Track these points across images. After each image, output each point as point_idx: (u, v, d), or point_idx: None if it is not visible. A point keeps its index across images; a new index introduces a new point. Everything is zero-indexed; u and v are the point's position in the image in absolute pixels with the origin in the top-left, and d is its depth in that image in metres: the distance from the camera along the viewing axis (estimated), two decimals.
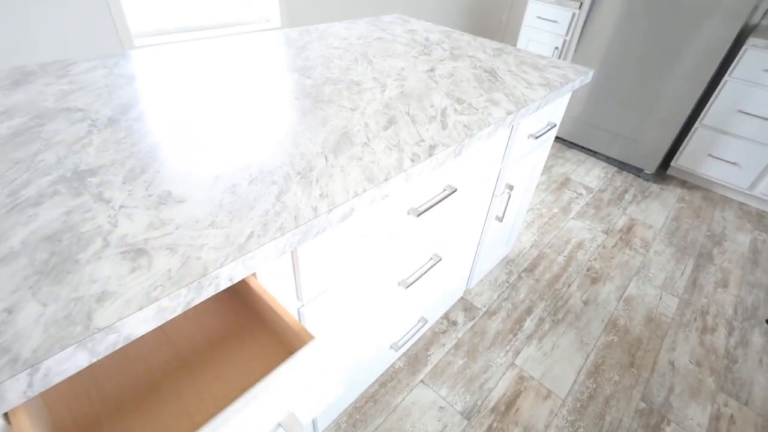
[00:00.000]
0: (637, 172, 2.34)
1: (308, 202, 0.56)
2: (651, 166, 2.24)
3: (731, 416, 1.23)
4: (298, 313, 0.69)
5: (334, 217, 0.57)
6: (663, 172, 2.42)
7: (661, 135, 2.14)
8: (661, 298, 1.60)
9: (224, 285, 0.47)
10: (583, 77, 1.10)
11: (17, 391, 0.35)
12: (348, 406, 1.18)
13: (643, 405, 1.24)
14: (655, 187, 2.26)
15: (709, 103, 2.04)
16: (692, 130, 2.14)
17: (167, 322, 0.57)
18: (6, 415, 0.39)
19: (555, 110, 1.16)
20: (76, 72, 0.86)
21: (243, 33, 2.19)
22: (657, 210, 2.09)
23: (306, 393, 0.51)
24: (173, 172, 0.59)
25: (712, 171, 2.17)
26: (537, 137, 1.08)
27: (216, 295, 0.61)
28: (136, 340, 0.55)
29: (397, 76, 0.98)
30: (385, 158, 0.67)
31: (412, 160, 0.67)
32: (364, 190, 0.59)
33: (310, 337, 0.50)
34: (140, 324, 0.41)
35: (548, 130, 1.11)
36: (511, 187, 1.13)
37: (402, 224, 0.79)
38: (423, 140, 0.73)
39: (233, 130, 0.71)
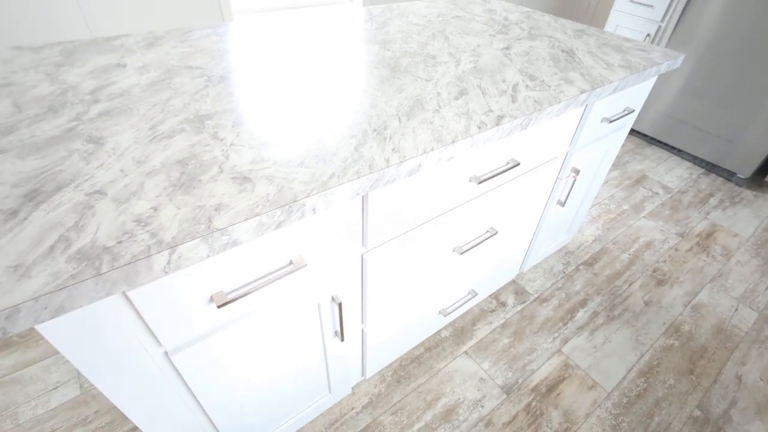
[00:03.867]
0: (729, 176, 2.13)
1: (382, 155, 0.63)
2: (746, 170, 2.03)
3: None
4: (362, 258, 0.77)
5: (403, 170, 0.64)
6: (760, 178, 2.18)
7: (763, 137, 1.93)
8: (737, 309, 1.49)
9: (309, 214, 0.56)
10: (671, 62, 1.05)
11: (160, 264, 0.46)
12: (393, 362, 1.27)
13: (698, 413, 1.19)
14: (748, 194, 2.05)
15: None
16: None
17: None
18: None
19: (636, 96, 1.12)
20: (194, 38, 1.01)
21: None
22: (747, 218, 1.90)
23: None
24: (271, 122, 0.69)
25: None
26: (611, 121, 1.06)
27: None
28: None
29: (472, 53, 1.02)
30: (453, 123, 0.72)
31: (479, 127, 0.72)
32: (432, 149, 0.65)
33: None
34: (244, 233, 0.51)
35: (625, 115, 1.08)
36: (577, 171, 1.12)
37: (463, 190, 0.84)
38: (491, 111, 0.77)
39: (320, 91, 0.80)
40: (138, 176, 0.55)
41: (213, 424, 0.77)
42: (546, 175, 1.06)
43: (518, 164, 0.87)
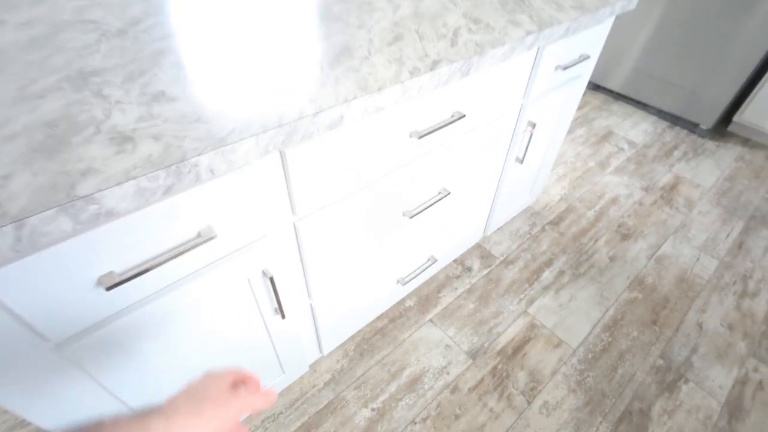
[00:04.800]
0: (692, 127, 2.12)
1: (294, 105, 0.55)
2: (709, 120, 2.02)
3: (760, 382, 1.16)
4: (294, 227, 0.70)
5: (322, 123, 0.56)
6: (723, 128, 2.18)
7: (724, 86, 1.91)
8: (698, 259, 1.49)
9: (206, 176, 0.49)
10: (625, 2, 0.99)
11: (6, 242, 0.38)
12: (356, 335, 1.23)
13: (660, 362, 1.20)
14: (710, 144, 2.06)
15: None
16: (762, 80, 1.89)
17: None
18: None
19: (591, 41, 1.06)
20: None
21: None
22: (709, 169, 1.91)
23: None
24: (169, 76, 0.60)
25: None
26: (566, 68, 0.99)
27: None
28: None
29: None
30: (383, 71, 0.64)
31: (411, 73, 0.64)
32: (354, 98, 0.58)
33: None
34: (121, 200, 0.43)
35: (581, 61, 1.02)
36: (533, 125, 1.07)
37: (405, 147, 0.77)
38: (427, 55, 0.69)
39: (231, 40, 0.70)
40: None
41: None
42: (500, 130, 1.00)
43: (463, 116, 0.80)
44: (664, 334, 1.27)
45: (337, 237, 0.79)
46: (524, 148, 1.14)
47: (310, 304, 0.90)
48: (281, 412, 1.06)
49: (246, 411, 0.38)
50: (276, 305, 0.77)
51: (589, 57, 1.06)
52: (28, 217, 0.38)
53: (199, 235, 0.55)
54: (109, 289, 0.47)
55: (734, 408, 1.10)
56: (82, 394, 0.58)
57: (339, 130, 0.63)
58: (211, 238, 0.54)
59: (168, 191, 0.46)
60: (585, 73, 1.16)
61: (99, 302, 0.51)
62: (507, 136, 1.05)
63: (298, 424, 1.05)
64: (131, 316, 0.56)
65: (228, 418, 0.36)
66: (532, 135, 1.08)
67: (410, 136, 0.76)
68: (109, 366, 0.58)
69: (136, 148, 0.47)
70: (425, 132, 0.74)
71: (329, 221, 0.74)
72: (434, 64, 0.67)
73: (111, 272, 0.49)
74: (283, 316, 0.75)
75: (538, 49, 0.91)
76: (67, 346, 0.51)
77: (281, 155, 0.59)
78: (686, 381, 1.16)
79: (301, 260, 0.78)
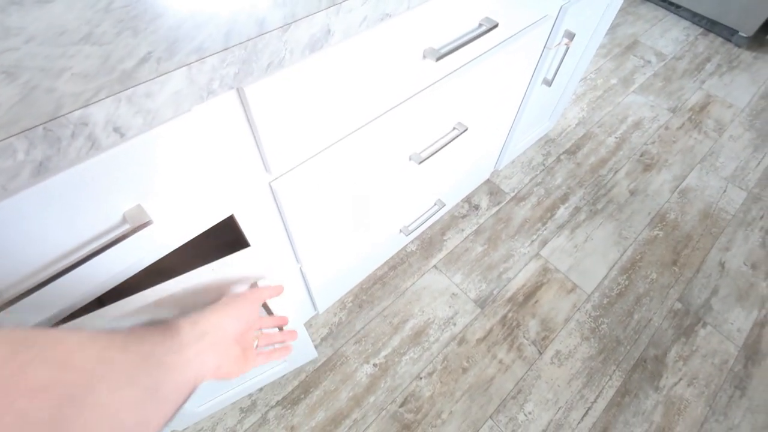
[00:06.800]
0: (729, 35, 1.85)
1: (252, 12, 0.34)
2: (749, 27, 1.75)
3: None
4: (271, 188, 0.52)
5: (297, 40, 0.35)
6: (762, 36, 1.91)
7: None
8: (725, 191, 1.36)
9: (106, 141, 0.29)
10: None
11: None
12: (354, 287, 1.12)
13: (678, 306, 1.12)
14: (747, 56, 1.81)
15: None
16: None
17: None
18: None
19: None
20: None
21: None
22: (744, 85, 1.69)
23: None
24: None
25: None
26: None
27: None
28: None
29: None
30: None
31: None
32: None
33: None
34: None
35: None
36: (571, 36, 0.83)
37: (415, 72, 0.56)
38: None
39: None
40: None
41: None
42: (531, 43, 0.77)
43: (496, 25, 0.58)
44: (684, 275, 1.18)
45: (328, 193, 0.62)
46: (556, 67, 0.92)
47: (300, 269, 0.76)
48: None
49: (263, 298, 0.43)
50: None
51: None
52: None
53: (125, 220, 0.37)
54: None
55: (751, 351, 1.06)
56: None
57: (324, 52, 0.42)
58: (142, 226, 0.36)
59: (37, 171, 0.28)
60: None
61: None
62: (538, 51, 0.83)
63: (296, 383, 0.98)
64: None
65: (252, 308, 0.41)
66: (567, 50, 0.86)
67: (424, 57, 0.55)
68: None
69: None
70: (445, 50, 0.53)
71: (316, 176, 0.56)
72: None
73: None
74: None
75: None
76: None
77: (239, 95, 0.39)
78: (704, 325, 1.10)
79: (285, 226, 0.61)
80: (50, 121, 0.26)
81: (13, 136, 0.25)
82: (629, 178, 1.38)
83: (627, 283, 1.16)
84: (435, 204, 1.01)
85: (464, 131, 0.76)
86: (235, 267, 0.44)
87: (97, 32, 0.31)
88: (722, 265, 1.20)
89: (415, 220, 0.98)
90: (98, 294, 0.42)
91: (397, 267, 1.17)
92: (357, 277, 1.02)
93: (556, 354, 1.04)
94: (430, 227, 1.24)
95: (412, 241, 1.21)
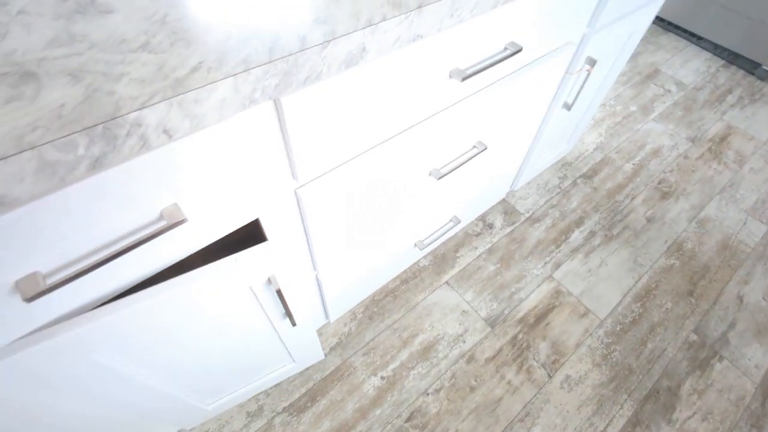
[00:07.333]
0: (752, 67, 1.84)
1: (295, 29, 0.36)
2: None
3: None
4: (295, 195, 0.54)
5: (335, 56, 0.38)
6: None
7: None
8: (745, 223, 1.34)
9: (156, 141, 0.32)
10: None
11: None
12: (366, 298, 1.12)
13: (694, 337, 1.10)
14: None
15: None
16: None
17: None
18: None
19: None
20: None
21: None
22: (765, 118, 1.68)
23: None
24: None
25: None
26: None
27: None
28: None
29: None
30: None
31: None
32: (384, 18, 0.39)
33: None
34: (16, 183, 0.27)
35: None
36: (593, 63, 0.85)
37: (441, 91, 0.58)
38: None
39: None
40: None
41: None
42: (554, 68, 0.79)
43: (520, 50, 0.60)
44: (701, 306, 1.16)
45: (350, 202, 0.63)
46: (576, 91, 0.93)
47: (316, 276, 0.77)
48: (284, 379, 0.99)
49: None
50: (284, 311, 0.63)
51: None
52: None
53: (162, 217, 0.40)
54: (30, 300, 0.33)
55: None
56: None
57: (358, 68, 0.44)
58: (180, 222, 0.38)
59: (93, 165, 0.30)
60: None
61: (17, 313, 0.37)
62: (559, 75, 0.84)
63: (303, 390, 0.98)
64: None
65: None
66: (588, 75, 0.87)
67: (450, 77, 0.57)
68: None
69: (39, 92, 0.29)
70: (470, 71, 0.55)
71: (340, 185, 0.58)
72: None
73: (35, 273, 0.35)
74: (294, 323, 0.61)
75: None
76: None
77: (275, 105, 0.41)
78: (720, 359, 1.07)
79: (305, 231, 0.63)
80: (109, 120, 0.28)
81: (76, 132, 0.27)
82: (646, 205, 1.37)
83: (641, 311, 1.14)
84: (450, 220, 1.02)
85: (483, 150, 0.77)
86: (256, 260, 0.46)
87: (153, 42, 0.34)
88: (740, 298, 1.18)
89: (430, 235, 0.99)
90: (129, 287, 0.44)
91: (409, 281, 1.17)
92: (369, 288, 1.03)
93: (566, 378, 1.02)
94: (443, 243, 1.24)
95: (425, 256, 1.21)
